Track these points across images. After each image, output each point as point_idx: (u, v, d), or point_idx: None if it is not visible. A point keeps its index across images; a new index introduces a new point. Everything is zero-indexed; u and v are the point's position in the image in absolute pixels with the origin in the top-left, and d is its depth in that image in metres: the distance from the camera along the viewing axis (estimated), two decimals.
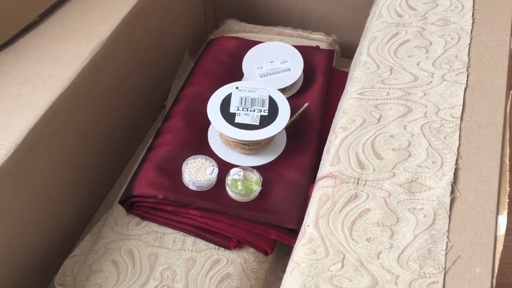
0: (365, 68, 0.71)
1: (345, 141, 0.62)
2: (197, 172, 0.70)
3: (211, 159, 0.72)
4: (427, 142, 0.59)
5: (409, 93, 0.65)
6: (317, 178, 0.63)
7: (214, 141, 0.77)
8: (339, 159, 0.60)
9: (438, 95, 0.65)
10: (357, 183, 0.57)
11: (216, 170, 0.70)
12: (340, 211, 0.55)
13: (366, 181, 0.57)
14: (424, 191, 0.55)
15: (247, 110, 0.74)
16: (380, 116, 0.64)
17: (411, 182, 0.56)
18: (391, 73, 0.69)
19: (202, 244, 0.69)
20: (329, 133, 0.73)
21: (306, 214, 0.59)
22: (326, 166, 0.61)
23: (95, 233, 0.73)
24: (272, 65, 0.83)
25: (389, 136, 0.61)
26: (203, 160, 0.72)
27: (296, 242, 0.57)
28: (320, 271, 0.50)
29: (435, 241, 0.50)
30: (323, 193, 0.57)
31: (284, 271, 0.76)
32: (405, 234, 0.51)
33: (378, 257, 0.50)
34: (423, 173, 0.56)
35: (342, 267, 0.50)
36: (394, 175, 0.57)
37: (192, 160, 0.71)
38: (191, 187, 0.70)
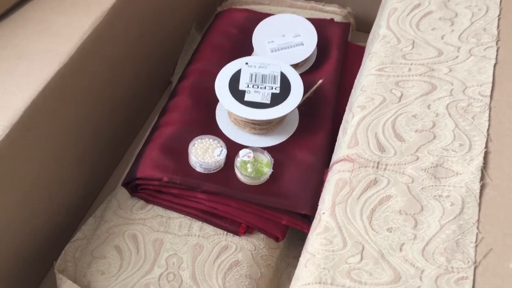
0: (384, 42, 0.66)
1: (363, 121, 0.57)
2: (204, 154, 0.66)
3: (219, 140, 0.68)
4: (453, 123, 0.55)
5: (433, 69, 0.60)
6: (332, 161, 0.59)
7: (222, 120, 0.72)
8: (357, 141, 0.56)
9: (465, 71, 0.59)
10: (377, 167, 0.53)
11: (225, 151, 0.66)
12: (359, 197, 0.50)
13: (386, 165, 0.53)
14: (451, 176, 0.50)
15: (258, 87, 0.69)
16: (402, 94, 0.59)
17: (436, 166, 0.51)
18: (413, 48, 0.64)
19: (209, 229, 0.66)
20: (345, 112, 0.68)
21: (321, 200, 0.55)
22: (342, 148, 0.56)
23: (98, 216, 0.70)
24: (283, 39, 0.78)
25: (412, 116, 0.56)
26: (210, 140, 0.68)
27: (311, 231, 0.53)
28: (337, 263, 0.46)
29: (463, 232, 0.46)
30: (339, 177, 0.53)
31: (296, 257, 0.73)
32: (430, 224, 0.47)
33: (400, 249, 0.46)
34: (449, 157, 0.52)
35: (361, 259, 0.46)
36: (418, 158, 0.52)
37: (199, 140, 0.67)
38: (198, 169, 0.66)
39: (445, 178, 0.50)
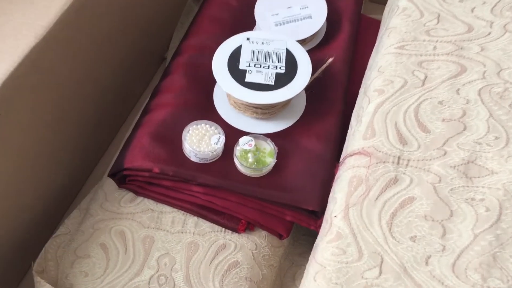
0: (405, 16, 0.58)
1: (381, 108, 0.50)
2: (200, 141, 0.59)
3: (217, 125, 0.61)
4: (487, 112, 0.47)
5: (461, 48, 0.53)
6: (345, 153, 0.52)
7: (221, 103, 0.65)
8: (373, 131, 0.48)
9: (500, 50, 0.52)
10: (398, 163, 0.45)
11: (223, 138, 0.59)
12: (377, 199, 0.44)
13: (409, 160, 0.45)
14: (485, 176, 0.43)
15: (260, 67, 0.62)
16: (426, 77, 0.51)
17: (468, 163, 0.44)
18: (438, 22, 0.56)
19: (206, 226, 0.59)
20: (359, 96, 0.61)
21: (331, 198, 0.48)
22: (357, 139, 0.49)
23: (83, 208, 0.63)
24: (289, 12, 0.70)
25: (438, 102, 0.49)
26: (207, 126, 0.60)
27: (320, 235, 0.46)
28: (351, 278, 0.40)
29: (501, 244, 0.39)
30: (354, 174, 0.46)
31: (301, 254, 0.67)
32: (461, 233, 0.40)
33: (426, 262, 0.39)
34: (483, 152, 0.44)
35: (380, 274, 0.39)
36: (445, 153, 0.45)
37: (194, 126, 0.60)
38: (193, 158, 0.59)
39: (479, 177, 0.43)
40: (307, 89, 0.63)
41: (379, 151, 0.46)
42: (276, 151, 0.59)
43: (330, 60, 0.65)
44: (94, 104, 0.67)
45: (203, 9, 0.75)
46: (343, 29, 0.72)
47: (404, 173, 0.45)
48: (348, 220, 0.43)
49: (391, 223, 0.42)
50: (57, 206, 0.66)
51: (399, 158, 0.46)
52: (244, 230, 0.59)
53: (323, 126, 0.63)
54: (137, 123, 0.63)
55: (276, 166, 0.59)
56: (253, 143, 0.59)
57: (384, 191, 0.44)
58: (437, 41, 0.54)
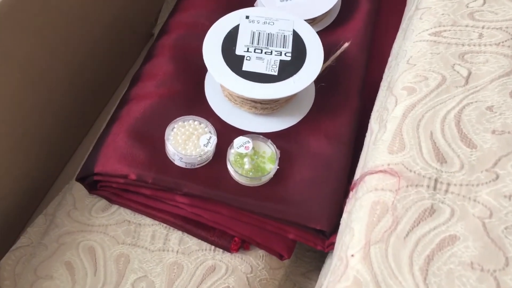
0: None
1: (412, 113, 0.40)
2: (186, 142, 0.49)
3: (207, 123, 0.50)
4: None
5: None
6: (363, 166, 0.42)
7: (213, 94, 0.54)
8: (402, 142, 0.38)
9: None
10: (435, 188, 0.35)
11: (214, 139, 0.49)
12: (407, 235, 0.34)
13: (449, 184, 0.35)
14: None
15: (261, 52, 0.51)
16: (469, 73, 0.41)
17: None
18: (484, 3, 0.45)
19: (192, 243, 0.50)
20: (381, 91, 0.50)
21: (347, 228, 0.38)
22: (381, 151, 0.39)
23: (49, 214, 0.54)
24: None
25: (486, 108, 0.38)
26: (195, 123, 0.50)
27: (331, 277, 0.36)
28: None
29: None
30: (377, 199, 0.36)
31: (304, 274, 0.57)
32: None
33: None
34: None
35: None
36: (497, 177, 0.35)
37: (179, 123, 0.50)
38: (178, 162, 0.49)
39: None
40: (317, 81, 0.53)
41: (410, 171, 0.36)
42: (278, 155, 0.49)
43: (346, 45, 0.54)
44: (64, 91, 0.56)
45: None
46: (361, 7, 0.61)
47: (442, 202, 0.35)
48: (369, 263, 0.33)
49: (427, 270, 0.32)
50: (19, 211, 0.56)
51: (436, 181, 0.36)
52: (237, 250, 0.49)
53: (335, 125, 0.53)
54: (112, 116, 0.53)
55: (277, 174, 0.49)
56: (250, 145, 0.49)
57: (417, 225, 0.34)
58: (483, 27, 0.43)
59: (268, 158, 0.49)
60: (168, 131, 0.49)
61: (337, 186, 0.49)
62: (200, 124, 0.50)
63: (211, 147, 0.49)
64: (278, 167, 0.49)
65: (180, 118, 0.50)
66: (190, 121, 0.50)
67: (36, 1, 0.47)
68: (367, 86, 0.56)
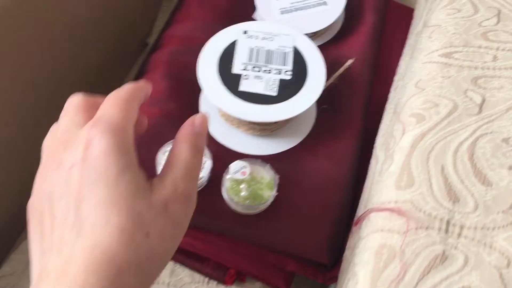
0: (452, 10, 0.44)
1: (421, 143, 0.36)
2: None
3: (208, 150, 0.47)
4: None
5: None
6: (367, 200, 0.39)
7: (209, 114, 0.51)
8: (411, 177, 0.35)
9: None
10: (446, 231, 0.32)
11: (209, 163, 0.46)
12: (417, 285, 0.31)
13: (462, 227, 0.32)
14: None
15: (259, 70, 0.48)
16: (483, 100, 0.38)
17: None
18: (498, 21, 0.42)
19: (184, 274, 0.47)
20: (387, 114, 0.47)
21: (351, 272, 0.35)
22: (387, 185, 0.36)
23: None
24: None
25: (502, 140, 0.35)
26: None
27: None
28: None
29: None
30: (383, 242, 0.33)
31: None
32: None
33: None
34: None
35: None
36: None
37: (171, 146, 0.47)
38: None
39: None
40: (319, 99, 0.49)
41: (420, 210, 0.33)
42: (277, 181, 0.46)
43: (350, 62, 0.51)
44: (52, 107, 0.53)
45: None
46: (366, 21, 0.57)
47: (455, 247, 0.32)
48: None
49: None
50: (4, 233, 0.53)
51: (448, 222, 0.33)
52: (233, 282, 0.46)
53: (338, 147, 0.50)
54: None
55: (276, 201, 0.46)
56: (247, 170, 0.46)
57: (427, 273, 0.31)
58: (497, 48, 0.40)
59: (266, 184, 0.46)
60: (160, 155, 0.46)
61: (339, 214, 0.46)
62: None
63: (205, 173, 0.46)
64: (276, 193, 0.46)
65: (172, 141, 0.47)
66: None
67: (21, 14, 0.44)
68: (371, 105, 0.53)
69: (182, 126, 0.35)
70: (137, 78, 0.54)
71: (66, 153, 0.29)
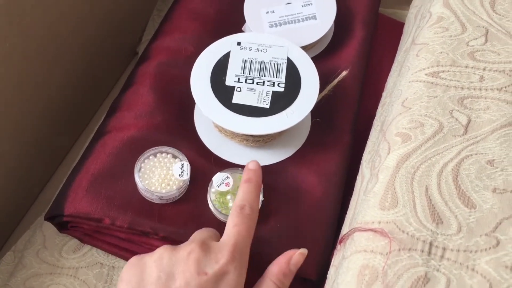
0: (440, 29, 0.44)
1: (406, 163, 0.37)
2: (152, 172, 0.46)
3: (179, 152, 0.47)
4: None
5: None
6: (351, 220, 0.39)
7: (202, 125, 0.51)
8: (395, 197, 0.35)
9: None
10: (429, 253, 0.32)
11: (187, 166, 0.46)
12: None
13: (444, 249, 0.32)
14: None
15: (253, 82, 0.48)
16: (469, 121, 0.38)
17: None
18: (486, 41, 0.42)
19: None
20: (373, 131, 0.47)
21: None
22: (371, 205, 0.36)
23: (18, 251, 0.51)
24: (289, 9, 0.56)
25: (486, 162, 0.35)
26: (164, 154, 0.47)
27: None
28: None
29: None
30: (366, 263, 0.33)
31: None
32: None
33: None
34: None
35: None
36: (498, 244, 0.32)
37: (148, 154, 0.47)
38: (157, 201, 0.46)
39: None
40: (312, 112, 0.49)
41: (403, 232, 0.33)
42: (261, 186, 0.46)
43: (344, 73, 0.51)
44: (39, 113, 0.53)
45: None
46: (356, 34, 0.58)
47: (437, 270, 0.32)
48: None
49: None
50: None
51: (430, 244, 0.33)
52: None
53: (326, 162, 0.50)
54: (87, 150, 0.49)
55: (264, 213, 0.46)
56: (231, 181, 0.46)
57: None
58: (484, 68, 0.40)
59: None
60: (137, 164, 0.46)
61: (327, 231, 0.46)
62: (167, 154, 0.47)
63: (187, 175, 0.46)
64: (263, 198, 0.46)
65: (151, 149, 0.47)
66: (164, 152, 0.47)
67: (4, 20, 0.43)
68: (360, 120, 0.53)
69: (276, 261, 0.41)
70: (123, 90, 0.54)
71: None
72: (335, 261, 0.39)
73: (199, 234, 0.40)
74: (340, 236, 0.39)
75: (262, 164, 0.49)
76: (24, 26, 0.45)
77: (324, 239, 0.46)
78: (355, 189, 0.43)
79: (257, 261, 0.45)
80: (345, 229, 0.40)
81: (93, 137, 0.50)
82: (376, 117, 0.49)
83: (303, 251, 0.41)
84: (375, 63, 0.58)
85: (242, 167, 0.47)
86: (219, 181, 0.46)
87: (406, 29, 0.55)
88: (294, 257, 0.41)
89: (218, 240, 0.39)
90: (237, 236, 0.38)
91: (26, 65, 0.48)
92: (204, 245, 0.38)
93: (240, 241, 0.38)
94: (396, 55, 0.53)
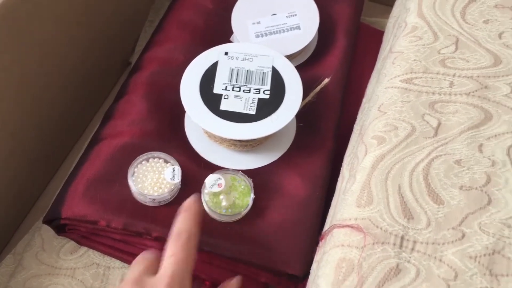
0: (414, 38, 0.47)
1: (381, 164, 0.39)
2: (145, 176, 0.48)
3: (170, 157, 0.50)
4: None
5: (486, 87, 0.42)
6: (332, 217, 0.41)
7: (192, 131, 0.54)
8: (370, 196, 0.38)
9: None
10: (401, 246, 0.35)
11: (178, 170, 0.49)
12: None
13: (415, 242, 0.35)
14: None
15: (239, 90, 0.51)
16: (439, 124, 0.41)
17: (493, 254, 0.34)
18: (456, 49, 0.45)
19: None
20: (353, 134, 0.50)
21: (314, 284, 0.38)
22: (349, 203, 0.39)
23: (18, 253, 0.53)
24: (274, 20, 0.59)
25: (454, 161, 0.38)
26: (156, 159, 0.50)
27: None
28: None
29: None
30: (343, 256, 0.36)
31: None
32: None
33: None
34: None
35: None
36: (463, 236, 0.35)
37: (141, 159, 0.49)
38: (150, 203, 0.48)
39: (507, 276, 0.33)
40: (297, 118, 0.52)
41: (377, 227, 0.36)
42: (252, 184, 0.49)
43: (326, 81, 0.54)
44: (36, 121, 0.55)
45: (172, 10, 0.63)
46: (338, 43, 0.61)
47: (408, 261, 0.34)
48: None
49: None
50: None
51: (402, 238, 0.35)
52: None
53: (310, 166, 0.53)
54: (82, 157, 0.52)
55: (251, 214, 0.49)
56: (222, 181, 0.49)
57: (382, 285, 0.34)
58: (454, 75, 0.43)
59: (242, 191, 0.49)
60: (131, 169, 0.49)
61: (310, 229, 0.49)
62: (159, 159, 0.50)
63: (178, 178, 0.48)
64: (254, 196, 0.48)
65: (144, 155, 0.49)
66: (156, 158, 0.50)
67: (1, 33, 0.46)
68: (342, 125, 0.56)
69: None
70: (117, 99, 0.56)
71: None
72: (317, 256, 0.42)
73: (132, 271, 0.40)
74: (322, 233, 0.42)
75: (250, 168, 0.52)
76: (21, 38, 0.48)
77: (309, 237, 0.48)
78: (336, 189, 0.46)
79: (245, 259, 0.47)
80: (326, 227, 0.43)
81: (89, 144, 0.53)
82: (356, 122, 0.51)
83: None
84: (357, 70, 0.61)
85: (226, 169, 0.49)
86: (212, 182, 0.49)
87: (385, 37, 0.57)
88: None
89: (159, 262, 0.40)
90: (174, 266, 0.38)
91: (24, 76, 0.50)
92: (137, 283, 0.37)
93: (177, 271, 0.38)
94: (376, 62, 0.56)
